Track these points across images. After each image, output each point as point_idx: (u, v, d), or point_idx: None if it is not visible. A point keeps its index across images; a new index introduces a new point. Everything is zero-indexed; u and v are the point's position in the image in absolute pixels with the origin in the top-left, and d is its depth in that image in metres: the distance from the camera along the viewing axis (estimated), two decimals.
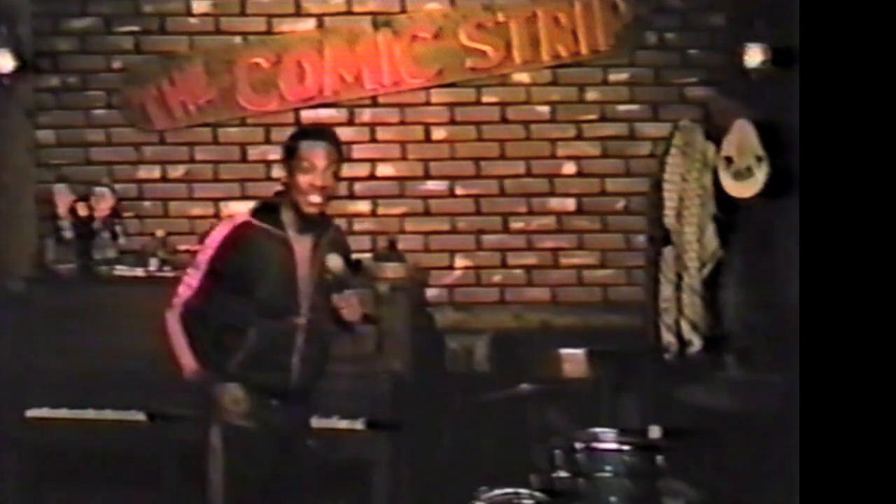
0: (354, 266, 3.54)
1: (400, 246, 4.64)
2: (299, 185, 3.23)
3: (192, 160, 4.92)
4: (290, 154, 3.29)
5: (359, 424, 4.00)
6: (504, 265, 4.91)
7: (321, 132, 3.44)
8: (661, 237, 4.71)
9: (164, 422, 3.88)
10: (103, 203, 4.69)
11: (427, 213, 4.87)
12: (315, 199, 3.24)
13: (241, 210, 4.65)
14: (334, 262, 3.27)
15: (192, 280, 3.29)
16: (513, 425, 3.95)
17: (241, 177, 4.89)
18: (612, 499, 3.23)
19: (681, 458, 3.32)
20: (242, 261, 3.25)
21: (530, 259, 4.91)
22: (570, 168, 4.91)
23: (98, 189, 4.71)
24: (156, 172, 4.92)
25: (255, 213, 3.37)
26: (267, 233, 3.28)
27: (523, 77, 4.90)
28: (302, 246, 3.30)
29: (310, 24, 4.91)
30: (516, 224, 4.91)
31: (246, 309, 3.24)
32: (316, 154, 3.25)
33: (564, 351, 4.50)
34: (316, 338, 3.32)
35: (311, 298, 3.29)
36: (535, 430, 3.81)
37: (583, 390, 4.29)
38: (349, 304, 3.27)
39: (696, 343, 4.62)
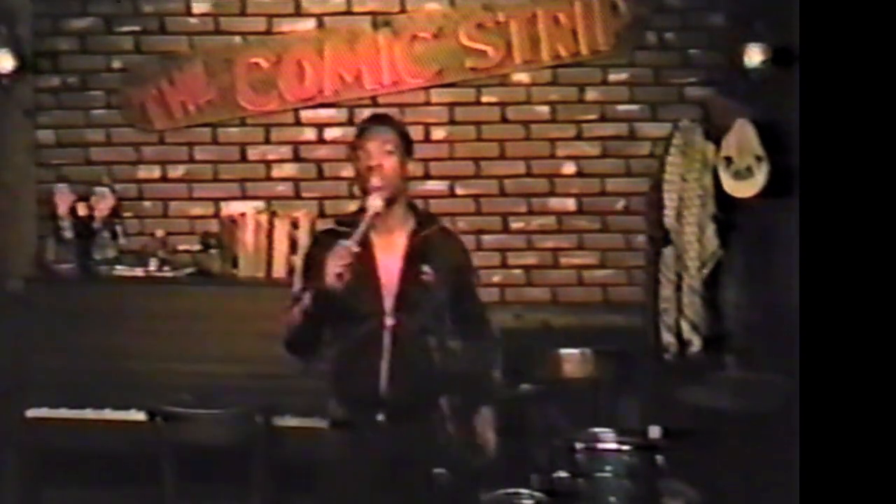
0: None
1: None
2: (360, 173, 3.19)
3: (192, 160, 4.91)
4: (354, 144, 3.26)
5: None
6: (504, 265, 4.91)
7: (377, 118, 3.39)
8: (661, 237, 4.71)
9: (164, 422, 3.89)
10: (103, 203, 4.69)
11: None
12: (375, 181, 3.13)
13: (240, 210, 4.72)
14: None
15: (295, 283, 3.28)
16: (513, 425, 3.95)
17: (241, 177, 4.89)
18: (612, 499, 3.23)
19: (681, 458, 3.32)
20: (319, 266, 3.13)
21: (530, 259, 4.91)
22: (570, 168, 4.91)
23: (98, 189, 4.71)
24: (156, 172, 4.91)
25: (337, 223, 3.35)
26: (336, 234, 3.18)
27: (523, 77, 4.90)
28: (386, 243, 3.20)
29: (310, 24, 4.91)
30: (516, 224, 4.91)
31: (331, 313, 3.12)
32: (367, 137, 3.22)
33: (564, 351, 4.49)
34: (409, 342, 3.16)
35: (398, 298, 3.16)
36: (535, 430, 3.81)
37: (583, 390, 4.29)
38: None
39: (696, 343, 4.62)
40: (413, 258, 3.21)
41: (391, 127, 3.28)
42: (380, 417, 3.15)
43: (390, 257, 3.21)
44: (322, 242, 3.24)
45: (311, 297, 3.09)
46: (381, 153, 3.18)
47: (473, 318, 3.40)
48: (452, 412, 3.24)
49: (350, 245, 3.01)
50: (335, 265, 2.98)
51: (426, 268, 3.19)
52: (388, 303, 3.17)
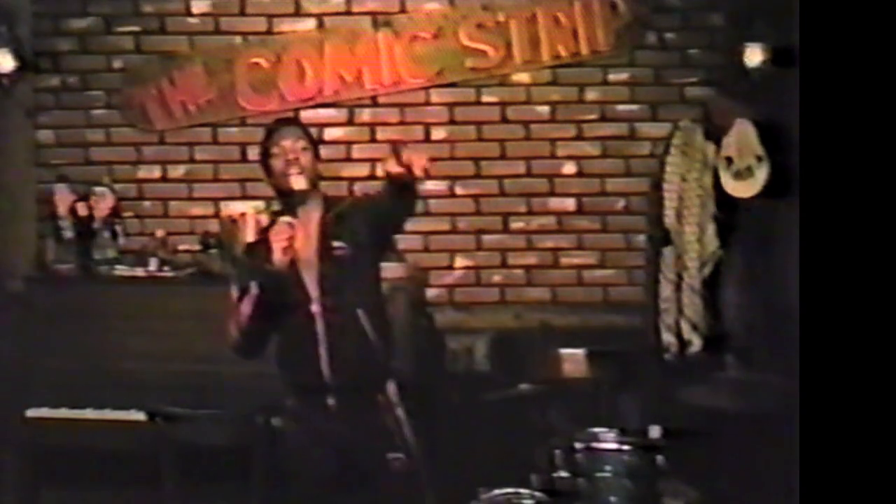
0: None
1: (400, 246, 4.63)
2: (277, 170, 3.30)
3: (192, 160, 4.92)
4: (265, 154, 3.36)
5: None
6: (504, 265, 4.91)
7: (285, 121, 3.58)
8: (661, 237, 4.71)
9: (164, 422, 3.89)
10: (103, 203, 4.69)
11: (427, 213, 4.86)
12: (294, 174, 3.25)
13: (240, 210, 4.71)
14: None
15: (232, 294, 3.32)
16: (513, 425, 3.95)
17: (241, 177, 4.89)
18: (612, 499, 3.23)
19: (681, 458, 3.32)
20: (254, 264, 3.25)
21: (530, 259, 4.91)
22: (570, 168, 4.91)
23: (98, 189, 4.70)
24: (156, 172, 4.92)
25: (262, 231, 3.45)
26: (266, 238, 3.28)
27: (523, 77, 4.90)
28: (303, 229, 3.26)
29: (310, 24, 4.91)
30: (516, 224, 4.92)
31: (271, 303, 3.22)
32: (281, 137, 3.34)
33: (564, 351, 4.49)
34: (341, 322, 3.23)
35: (319, 283, 3.25)
36: (535, 430, 3.81)
37: (583, 390, 4.29)
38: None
39: (696, 343, 4.62)
40: (324, 239, 3.29)
41: (300, 128, 3.44)
42: (330, 402, 3.22)
43: (306, 247, 3.28)
44: (253, 249, 3.32)
45: (258, 286, 3.18)
46: (296, 149, 3.31)
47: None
48: (400, 396, 3.29)
49: (288, 220, 3.18)
50: (279, 241, 3.13)
51: (337, 243, 3.27)
52: (313, 290, 3.25)
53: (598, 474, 3.25)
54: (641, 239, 4.86)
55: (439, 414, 4.40)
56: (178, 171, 4.92)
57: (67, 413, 4.19)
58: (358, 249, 3.27)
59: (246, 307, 3.21)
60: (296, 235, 3.17)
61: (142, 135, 4.91)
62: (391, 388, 3.28)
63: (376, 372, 3.27)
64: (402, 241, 4.67)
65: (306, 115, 4.85)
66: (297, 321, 3.25)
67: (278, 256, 3.14)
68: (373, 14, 4.88)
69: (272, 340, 3.31)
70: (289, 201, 3.29)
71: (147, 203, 4.90)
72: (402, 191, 3.12)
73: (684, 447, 3.36)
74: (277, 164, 3.31)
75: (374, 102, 4.89)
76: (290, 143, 3.31)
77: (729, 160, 4.54)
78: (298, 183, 3.24)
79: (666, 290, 4.66)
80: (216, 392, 4.05)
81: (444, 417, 4.41)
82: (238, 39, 4.92)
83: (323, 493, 3.22)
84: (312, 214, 3.32)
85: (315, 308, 3.24)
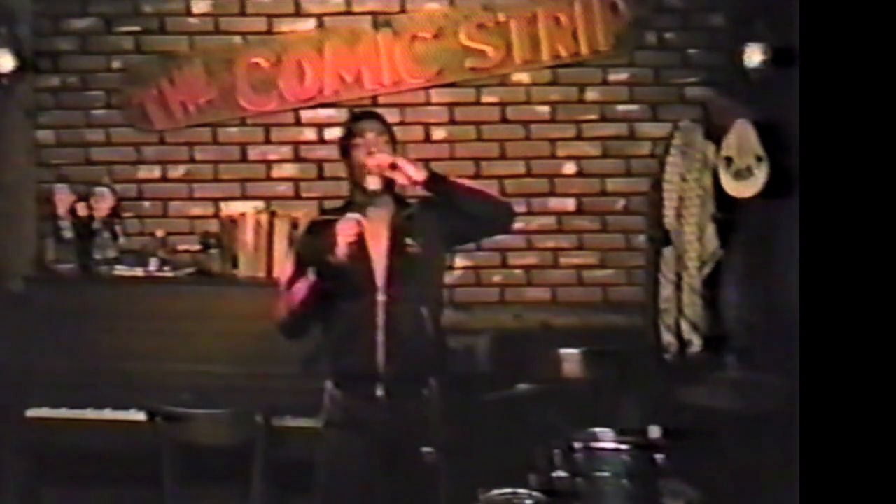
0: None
1: None
2: (357, 162, 3.42)
3: (192, 160, 4.92)
4: (346, 142, 3.51)
5: None
6: (504, 265, 4.91)
7: (370, 114, 3.67)
8: (661, 237, 4.71)
9: (164, 422, 3.89)
10: (103, 203, 4.69)
11: None
12: (375, 166, 3.37)
13: (240, 210, 4.73)
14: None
15: (286, 269, 3.47)
16: (513, 425, 3.95)
17: (241, 177, 4.90)
18: (612, 499, 3.23)
19: (681, 458, 3.32)
20: (314, 248, 3.37)
21: (530, 259, 4.91)
22: (570, 168, 4.91)
23: (98, 189, 4.71)
24: (156, 172, 4.91)
25: (328, 212, 3.59)
26: (327, 223, 3.39)
27: (523, 77, 4.90)
28: (374, 227, 3.39)
29: (310, 24, 4.91)
30: (516, 224, 4.87)
31: (327, 291, 3.32)
32: (365, 130, 3.48)
33: (564, 351, 4.49)
34: (402, 316, 3.34)
35: (387, 275, 3.36)
36: (534, 430, 3.81)
37: (583, 390, 4.29)
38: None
39: (696, 343, 4.62)
40: (398, 235, 3.41)
41: (381, 121, 3.56)
42: (379, 393, 3.31)
43: (378, 238, 3.40)
44: (315, 231, 3.48)
45: (315, 273, 3.30)
46: (378, 142, 3.44)
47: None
48: (440, 391, 3.38)
49: (357, 217, 3.29)
50: (346, 236, 3.23)
51: (410, 240, 3.39)
52: (379, 280, 3.36)
53: (598, 474, 3.25)
54: (641, 239, 4.86)
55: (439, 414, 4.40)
56: (178, 171, 4.92)
57: (67, 413, 4.19)
58: (429, 249, 3.40)
59: (300, 291, 3.32)
60: (362, 231, 3.28)
61: (142, 135, 4.91)
62: (433, 381, 3.37)
63: (427, 366, 3.37)
64: None
65: (306, 115, 4.88)
66: (359, 309, 3.33)
67: (342, 251, 3.24)
68: (373, 14, 4.87)
69: (327, 327, 3.40)
70: (363, 196, 3.42)
71: (147, 203, 4.90)
72: (502, 212, 3.49)
73: (684, 447, 3.36)
74: (359, 155, 3.42)
75: (374, 102, 4.87)
76: (373, 137, 3.44)
77: (729, 160, 4.54)
78: (373, 183, 3.37)
79: (666, 290, 4.66)
80: (216, 392, 4.05)
81: (444, 417, 4.41)
82: (238, 39, 4.92)
83: (360, 482, 3.31)
84: (384, 210, 3.45)
85: (381, 298, 3.34)
